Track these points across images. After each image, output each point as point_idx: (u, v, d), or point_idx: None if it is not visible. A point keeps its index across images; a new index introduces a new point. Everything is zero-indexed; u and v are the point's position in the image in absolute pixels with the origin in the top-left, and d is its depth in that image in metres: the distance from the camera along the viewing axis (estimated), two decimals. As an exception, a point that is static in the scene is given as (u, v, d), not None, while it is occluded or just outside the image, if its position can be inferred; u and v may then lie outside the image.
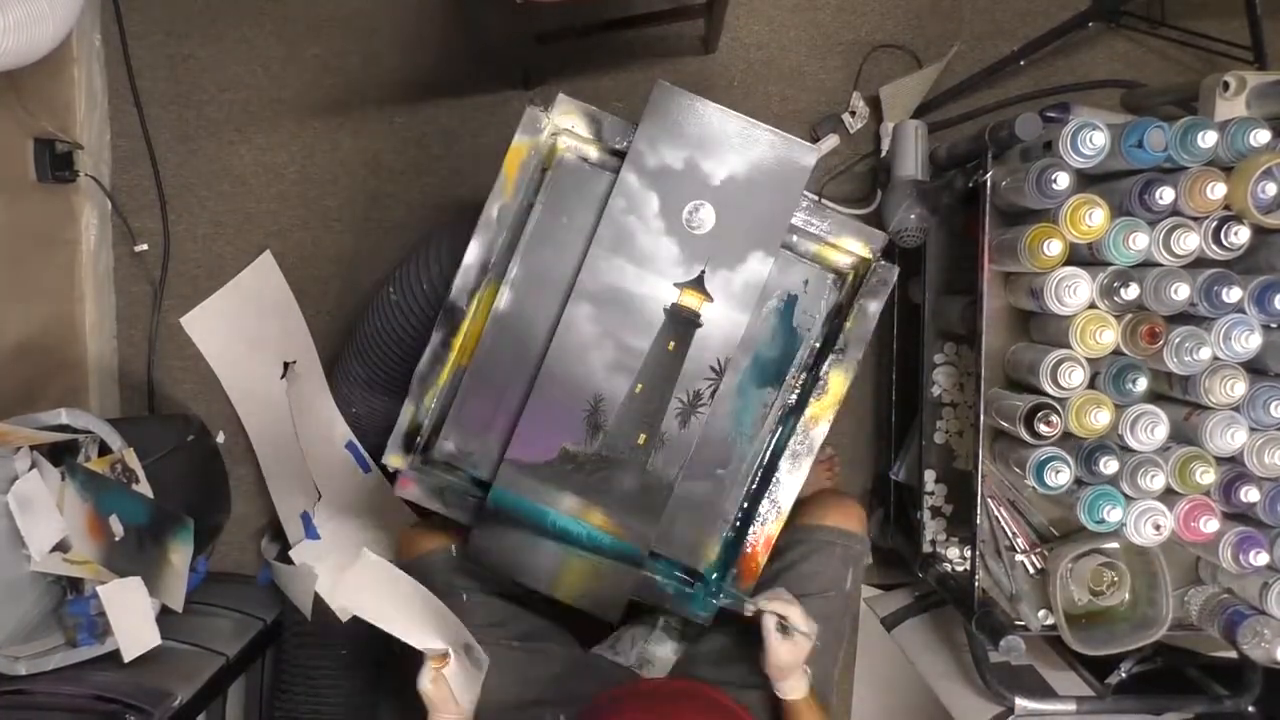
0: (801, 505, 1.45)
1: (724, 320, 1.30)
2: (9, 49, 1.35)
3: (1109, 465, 1.35)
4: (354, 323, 1.84)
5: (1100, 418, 1.35)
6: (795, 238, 1.34)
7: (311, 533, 1.85)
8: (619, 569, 1.32)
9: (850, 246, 1.34)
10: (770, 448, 1.38)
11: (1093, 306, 1.37)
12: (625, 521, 1.31)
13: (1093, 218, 1.32)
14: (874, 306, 1.33)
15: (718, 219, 1.28)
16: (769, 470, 1.36)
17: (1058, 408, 1.36)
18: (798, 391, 1.37)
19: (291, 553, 1.86)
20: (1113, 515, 1.35)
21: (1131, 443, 1.38)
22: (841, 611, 1.44)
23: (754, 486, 1.38)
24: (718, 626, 1.39)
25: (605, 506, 1.31)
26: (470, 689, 1.23)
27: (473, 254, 1.31)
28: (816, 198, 1.33)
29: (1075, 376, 1.35)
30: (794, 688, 1.28)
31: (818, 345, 1.37)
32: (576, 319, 1.30)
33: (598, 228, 1.29)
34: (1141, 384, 1.35)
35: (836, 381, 1.33)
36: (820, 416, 1.33)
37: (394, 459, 1.34)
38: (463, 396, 1.35)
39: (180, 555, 1.54)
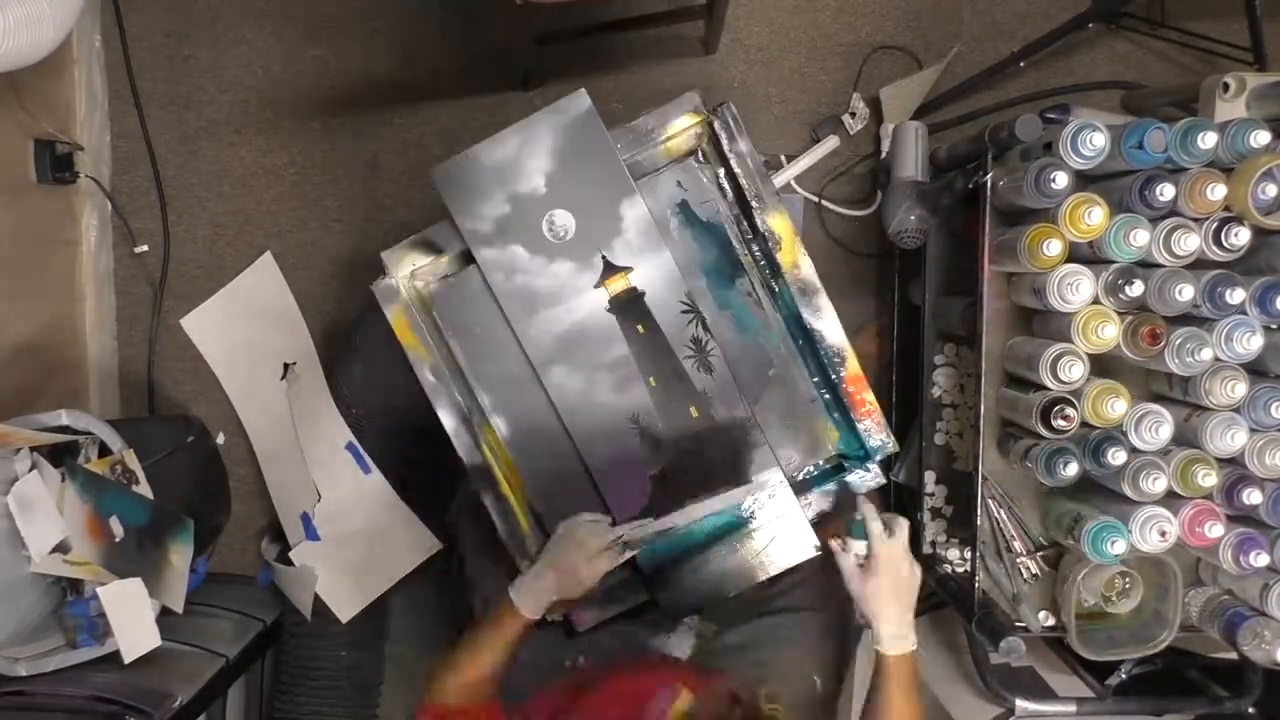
0: None
1: (654, 271, 1.32)
2: (9, 50, 1.35)
3: (1117, 456, 1.34)
4: (354, 323, 1.84)
5: (1116, 407, 1.35)
6: (639, 160, 1.35)
7: (311, 533, 1.85)
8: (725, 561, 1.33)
9: (680, 125, 1.35)
10: (786, 316, 1.38)
11: (1096, 303, 1.37)
12: (747, 478, 1.33)
13: (1092, 216, 1.32)
14: (744, 145, 1.33)
15: (573, 212, 1.30)
16: (804, 332, 1.36)
17: (1074, 401, 1.36)
18: (761, 260, 1.38)
19: (292, 554, 1.85)
20: (1116, 548, 1.35)
21: (1136, 442, 1.37)
22: (847, 616, 1.46)
23: (806, 356, 1.39)
24: (738, 624, 1.39)
25: (723, 481, 1.33)
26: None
27: (448, 419, 1.34)
28: (621, 127, 1.34)
29: (1075, 370, 1.35)
30: (887, 634, 1.11)
31: (737, 213, 1.37)
32: (560, 383, 1.32)
33: (503, 309, 1.31)
34: (1072, 468, 1.36)
35: (777, 224, 1.34)
36: (794, 259, 1.34)
37: (555, 615, 1.31)
38: (548, 520, 1.37)
39: (180, 556, 1.54)
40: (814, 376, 1.39)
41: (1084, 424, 1.39)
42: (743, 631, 1.43)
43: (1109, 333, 1.35)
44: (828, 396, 1.39)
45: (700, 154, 1.36)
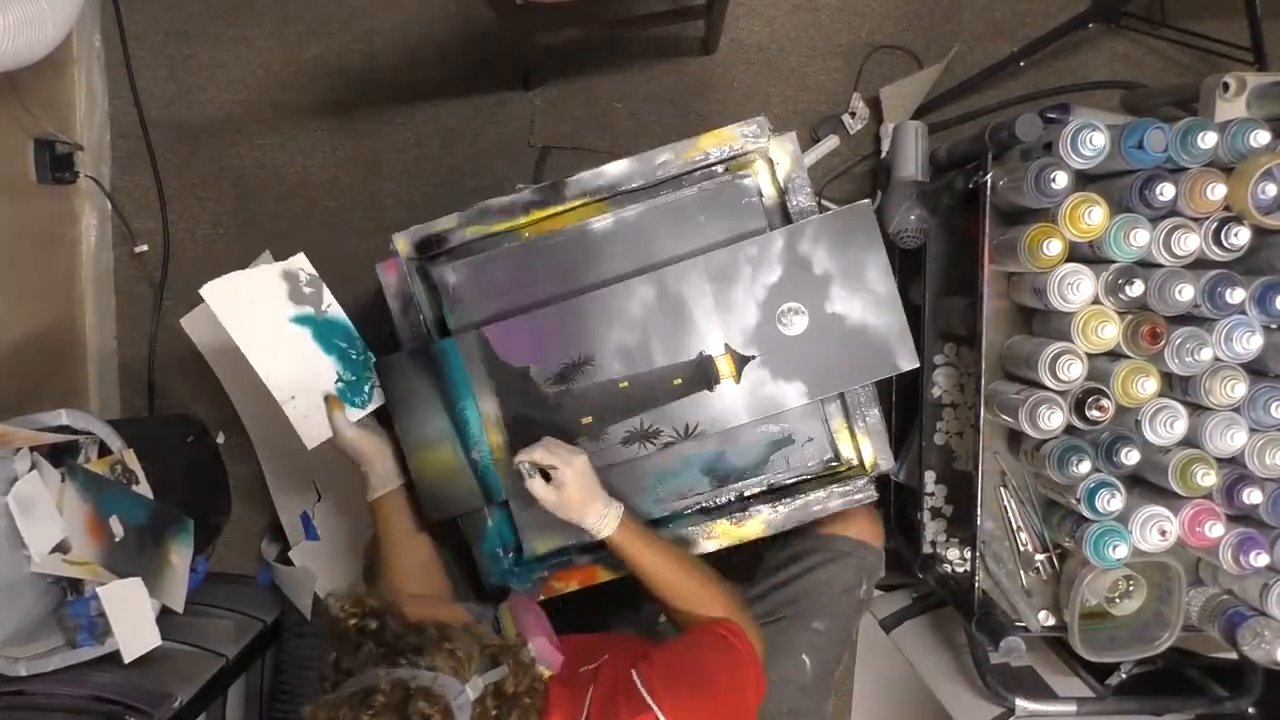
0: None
1: (730, 404, 1.32)
2: (8, 50, 1.35)
3: (1130, 456, 1.34)
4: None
5: (1147, 386, 1.33)
6: (835, 404, 1.36)
7: (311, 533, 1.86)
8: (472, 490, 1.32)
9: (864, 448, 1.37)
10: (661, 519, 1.39)
11: (1096, 302, 1.37)
12: (511, 463, 1.32)
13: (1092, 216, 1.32)
14: (835, 504, 1.36)
15: (804, 333, 1.30)
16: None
17: (1108, 391, 1.36)
18: (721, 502, 1.39)
19: (291, 553, 1.86)
20: (1118, 552, 1.35)
21: (1151, 437, 1.37)
22: (850, 616, 1.45)
23: None
24: None
25: (510, 438, 1.32)
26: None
27: (618, 169, 1.32)
28: (875, 392, 1.37)
29: (1074, 369, 1.35)
30: (596, 524, 1.23)
31: (765, 489, 1.38)
32: (634, 292, 1.30)
33: (720, 249, 1.30)
34: (1085, 466, 1.35)
35: (753, 527, 1.36)
36: (718, 536, 1.36)
37: (401, 242, 1.35)
38: (498, 255, 1.35)
39: (180, 556, 1.54)
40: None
41: (1082, 422, 1.38)
42: None
43: (1109, 332, 1.35)
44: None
45: (835, 458, 1.39)
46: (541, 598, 1.35)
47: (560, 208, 1.33)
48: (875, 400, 1.36)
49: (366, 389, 1.34)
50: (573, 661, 1.17)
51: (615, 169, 1.32)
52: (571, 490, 1.22)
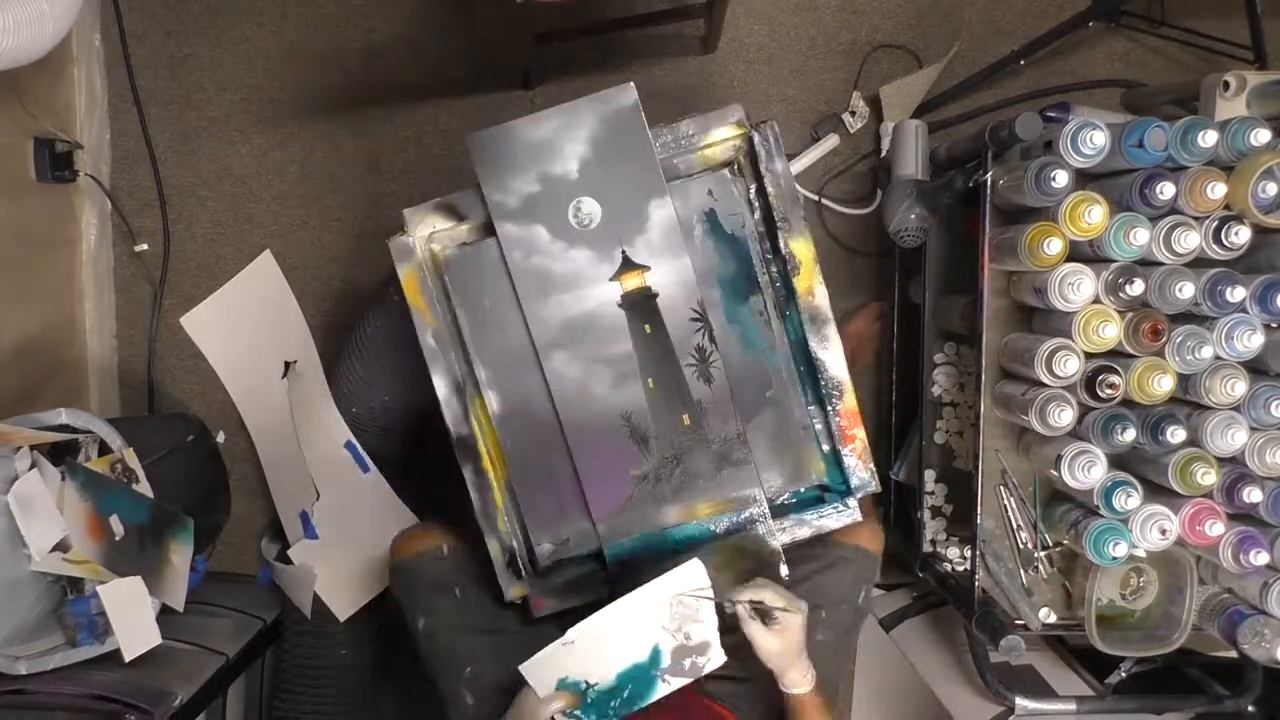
0: None
1: (671, 275, 1.31)
2: (8, 49, 1.35)
3: (1176, 435, 1.33)
4: (354, 322, 1.84)
5: (1163, 383, 1.33)
6: (675, 163, 1.34)
7: (310, 532, 1.86)
8: (755, 536, 1.32)
9: (720, 135, 1.33)
10: (793, 341, 1.37)
11: (1097, 302, 1.37)
12: (727, 495, 1.33)
13: (1092, 215, 1.32)
14: (780, 165, 1.32)
15: (601, 202, 1.29)
16: (808, 360, 1.35)
17: (1119, 369, 1.35)
18: (777, 281, 1.37)
19: (290, 552, 1.86)
20: (1118, 550, 1.35)
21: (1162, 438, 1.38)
22: (851, 626, 1.45)
23: (805, 378, 1.38)
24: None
25: (704, 494, 1.32)
26: None
27: (441, 386, 1.33)
28: (662, 125, 1.33)
29: (1070, 365, 1.35)
30: (796, 680, 1.23)
31: (762, 231, 1.36)
32: (559, 370, 1.31)
33: (516, 287, 1.30)
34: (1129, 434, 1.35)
35: (800, 249, 1.33)
36: (810, 286, 1.33)
37: (514, 590, 1.35)
38: (524, 500, 1.36)
39: (180, 555, 1.54)
40: (810, 405, 1.38)
41: (1093, 400, 1.37)
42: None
43: (1109, 332, 1.35)
44: (819, 427, 1.38)
45: (735, 167, 1.35)
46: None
47: (481, 440, 1.35)
48: (671, 126, 1.34)
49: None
50: None
51: (442, 388, 1.34)
52: (791, 636, 1.19)
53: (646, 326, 1.31)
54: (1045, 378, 1.37)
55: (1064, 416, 1.35)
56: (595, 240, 1.30)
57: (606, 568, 1.34)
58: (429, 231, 1.34)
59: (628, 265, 1.30)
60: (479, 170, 1.28)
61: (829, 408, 1.35)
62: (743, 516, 1.33)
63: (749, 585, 1.22)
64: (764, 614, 1.19)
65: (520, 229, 1.29)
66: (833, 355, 1.34)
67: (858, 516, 1.36)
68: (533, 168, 1.28)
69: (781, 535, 1.35)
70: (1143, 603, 1.47)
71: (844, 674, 1.43)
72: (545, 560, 1.37)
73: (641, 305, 1.30)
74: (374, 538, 1.84)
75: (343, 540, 1.86)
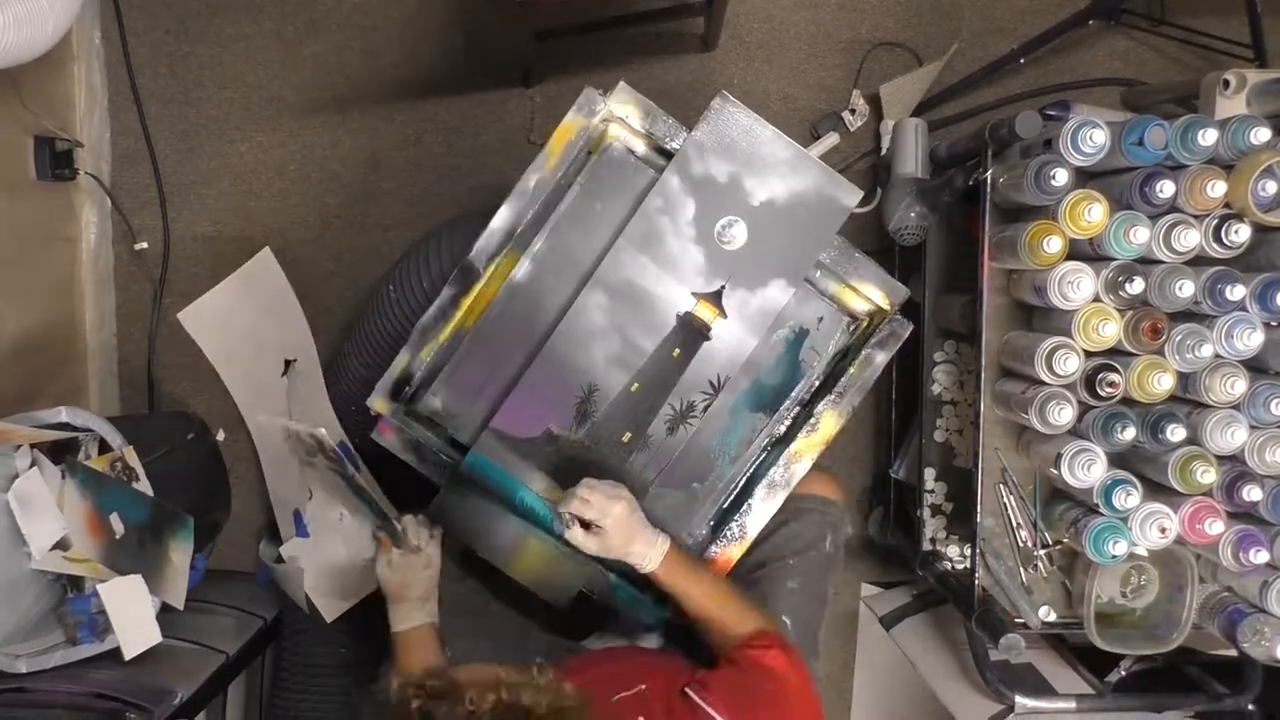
0: None
1: (733, 339, 1.31)
2: (8, 46, 1.34)
3: (1176, 433, 1.33)
4: (354, 320, 1.84)
5: (1163, 381, 1.33)
6: (819, 274, 1.34)
7: (301, 530, 1.86)
8: (577, 558, 1.32)
9: (870, 294, 1.35)
10: (749, 473, 1.38)
11: (1096, 300, 1.37)
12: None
13: (1092, 213, 1.32)
14: (880, 357, 1.34)
15: (749, 239, 1.28)
16: (743, 494, 1.36)
17: (1119, 368, 1.36)
18: (788, 423, 1.38)
19: (282, 549, 1.86)
20: (1118, 549, 1.35)
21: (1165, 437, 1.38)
22: (821, 572, 1.44)
23: (725, 507, 1.39)
24: None
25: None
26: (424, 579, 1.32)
27: (500, 219, 1.31)
28: (846, 241, 1.34)
29: (1070, 363, 1.35)
30: (641, 557, 1.24)
31: (818, 383, 1.37)
32: (589, 306, 1.30)
33: (630, 221, 1.29)
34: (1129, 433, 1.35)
35: (828, 422, 1.34)
36: (805, 453, 1.35)
37: (379, 403, 1.34)
38: (460, 357, 1.35)
39: (180, 553, 1.54)
40: (711, 521, 1.39)
41: (1093, 399, 1.37)
42: None
43: (1109, 330, 1.35)
44: (698, 549, 1.39)
45: (851, 322, 1.37)
46: None
47: (481, 282, 1.32)
48: (851, 246, 1.34)
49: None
50: (604, 690, 1.15)
51: (501, 219, 1.31)
52: (611, 535, 1.22)
53: (677, 350, 1.31)
54: (1045, 376, 1.37)
55: (1064, 415, 1.36)
56: (716, 258, 1.29)
57: (457, 465, 1.34)
58: (619, 115, 1.32)
59: (714, 299, 1.30)
60: (702, 122, 1.27)
61: (718, 542, 1.37)
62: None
63: (560, 499, 1.25)
64: (585, 523, 1.23)
65: (680, 188, 1.28)
66: (764, 510, 1.36)
67: (650, 624, 1.39)
68: (737, 164, 1.27)
69: (621, 590, 1.37)
70: (1143, 601, 1.47)
71: (818, 621, 1.43)
72: (423, 410, 1.36)
73: (691, 333, 1.30)
74: (360, 540, 1.84)
75: (331, 540, 1.86)
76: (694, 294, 1.30)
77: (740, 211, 1.28)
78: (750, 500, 1.35)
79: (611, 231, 1.31)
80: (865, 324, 1.36)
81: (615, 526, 1.22)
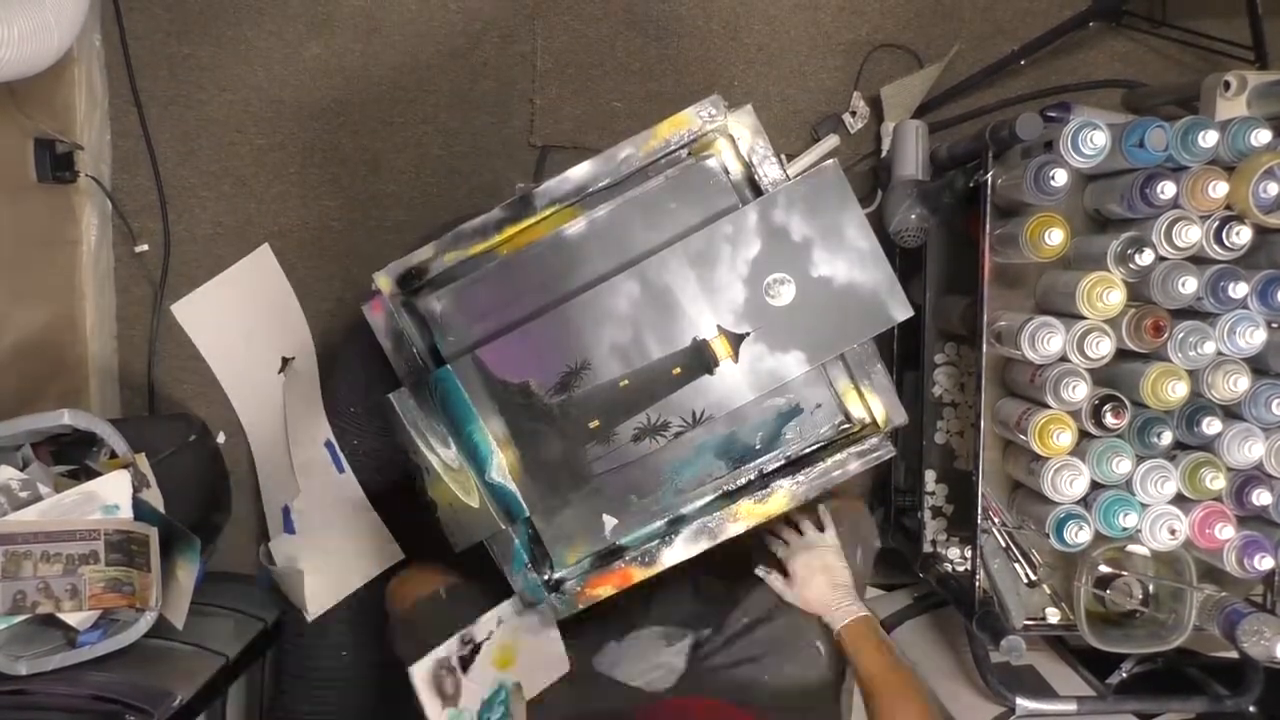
0: None
1: (733, 384, 1.30)
2: (13, 60, 1.35)
3: (1212, 426, 1.35)
4: (354, 323, 1.84)
5: (1178, 389, 1.33)
6: (838, 367, 1.34)
7: (289, 527, 1.86)
8: (491, 511, 1.31)
9: (874, 405, 1.34)
10: (685, 512, 1.37)
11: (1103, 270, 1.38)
12: (528, 478, 1.30)
13: (1052, 237, 1.34)
14: (854, 465, 1.32)
15: (793, 302, 1.28)
16: (670, 530, 1.35)
17: (1125, 400, 1.36)
18: (742, 483, 1.37)
19: (271, 545, 1.86)
20: (1128, 520, 1.35)
21: (1185, 437, 1.39)
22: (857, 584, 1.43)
23: (648, 531, 1.37)
24: (734, 636, 1.39)
25: (522, 453, 1.30)
26: None
27: (582, 171, 1.30)
28: (875, 348, 1.35)
29: (1054, 343, 1.35)
30: (842, 614, 1.28)
31: (784, 462, 1.36)
32: (620, 289, 1.28)
33: (695, 233, 1.28)
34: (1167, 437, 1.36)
35: (778, 500, 1.33)
36: (744, 517, 1.33)
37: (383, 281, 1.32)
38: (479, 276, 1.33)
39: (186, 572, 1.54)
40: (629, 538, 1.38)
41: (1098, 429, 1.38)
42: (741, 644, 1.42)
43: (1114, 298, 1.34)
44: (604, 556, 1.37)
45: (844, 422, 1.36)
46: (580, 606, 1.35)
47: (532, 219, 1.31)
48: (877, 356, 1.34)
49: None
50: None
51: (580, 171, 1.30)
52: (812, 581, 1.29)
53: (678, 369, 1.29)
54: (1031, 355, 1.38)
55: (1064, 438, 1.36)
56: (755, 304, 1.28)
57: (425, 370, 1.33)
58: (732, 132, 1.32)
59: (735, 340, 1.29)
60: (805, 180, 1.27)
61: (624, 558, 1.36)
62: (510, 498, 1.32)
63: (763, 546, 1.29)
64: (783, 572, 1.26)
65: (755, 227, 1.27)
66: (678, 552, 1.34)
67: (525, 600, 1.36)
68: (815, 232, 1.27)
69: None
70: (1133, 603, 1.48)
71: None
72: (421, 307, 1.35)
73: (699, 360, 1.29)
74: (340, 539, 1.84)
75: (316, 538, 1.86)
76: (719, 327, 1.29)
77: (797, 274, 1.28)
78: (675, 536, 1.34)
79: (674, 234, 1.31)
80: (855, 430, 1.36)
81: (810, 571, 1.31)
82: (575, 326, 1.29)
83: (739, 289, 1.28)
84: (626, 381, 1.30)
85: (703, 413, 1.31)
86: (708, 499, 1.37)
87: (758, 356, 1.29)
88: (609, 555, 1.36)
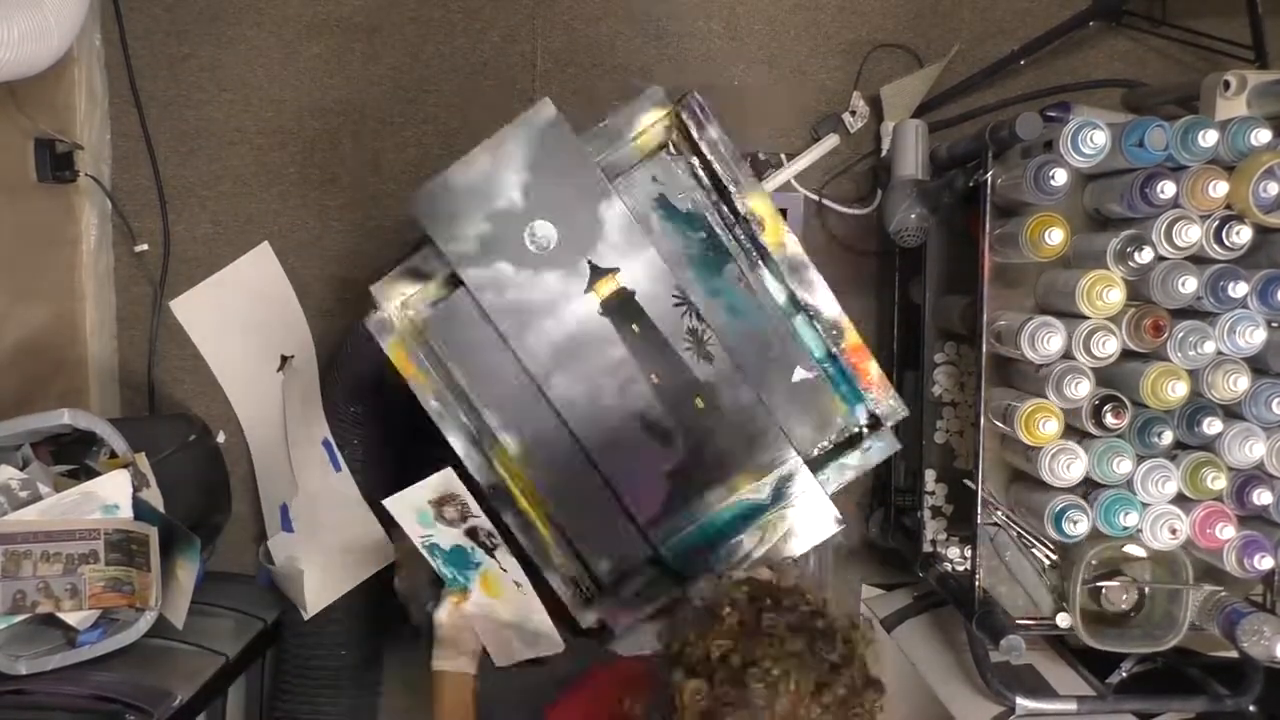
0: None
1: (641, 269, 1.30)
2: (12, 61, 1.35)
3: (1212, 425, 1.34)
4: (354, 324, 1.84)
5: (1178, 389, 1.33)
6: (612, 160, 1.32)
7: (286, 525, 1.86)
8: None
9: (648, 120, 1.32)
10: (781, 294, 1.35)
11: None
12: (760, 462, 1.32)
13: (1053, 236, 1.33)
14: (713, 132, 1.30)
15: (553, 221, 1.28)
16: (799, 309, 1.34)
17: (1125, 400, 1.36)
18: (746, 243, 1.35)
19: (269, 543, 1.86)
20: (1129, 520, 1.35)
21: (1186, 437, 1.39)
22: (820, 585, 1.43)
23: (805, 332, 1.36)
24: None
25: (738, 468, 1.32)
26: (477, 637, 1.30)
27: (457, 443, 1.32)
28: (601, 124, 1.32)
29: (1054, 343, 1.35)
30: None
31: (715, 199, 1.34)
32: (564, 393, 1.30)
33: (498, 327, 1.30)
34: (1167, 437, 1.36)
35: (757, 204, 1.31)
36: (779, 238, 1.32)
37: (589, 617, 1.34)
38: (572, 529, 1.35)
39: (186, 572, 1.54)
40: (815, 353, 1.37)
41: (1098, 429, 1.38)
42: None
43: (1114, 296, 1.34)
44: (831, 370, 1.36)
45: (672, 146, 1.33)
46: None
47: (511, 485, 1.35)
48: (600, 130, 1.32)
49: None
50: None
51: (458, 444, 1.34)
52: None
53: (634, 326, 1.30)
54: (1031, 355, 1.38)
55: (1049, 426, 1.36)
56: (558, 259, 1.29)
57: (671, 571, 1.33)
58: (400, 300, 1.32)
59: (597, 273, 1.29)
60: (428, 227, 1.28)
61: (834, 349, 1.34)
62: (779, 475, 1.32)
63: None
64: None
65: (484, 270, 1.28)
66: (821, 297, 1.33)
67: (895, 445, 1.35)
68: (478, 208, 1.28)
69: (827, 485, 1.34)
70: (1130, 602, 1.48)
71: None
72: (607, 577, 1.36)
73: (622, 307, 1.29)
74: (338, 537, 1.84)
75: (313, 536, 1.86)
76: (585, 293, 1.29)
77: (523, 220, 1.28)
78: (807, 299, 1.34)
79: (503, 348, 1.31)
80: (675, 135, 1.33)
81: None
82: (606, 433, 1.32)
83: (548, 276, 1.30)
84: (653, 374, 1.31)
85: (674, 292, 1.31)
86: (764, 275, 1.36)
87: (609, 248, 1.30)
88: (834, 362, 1.36)
